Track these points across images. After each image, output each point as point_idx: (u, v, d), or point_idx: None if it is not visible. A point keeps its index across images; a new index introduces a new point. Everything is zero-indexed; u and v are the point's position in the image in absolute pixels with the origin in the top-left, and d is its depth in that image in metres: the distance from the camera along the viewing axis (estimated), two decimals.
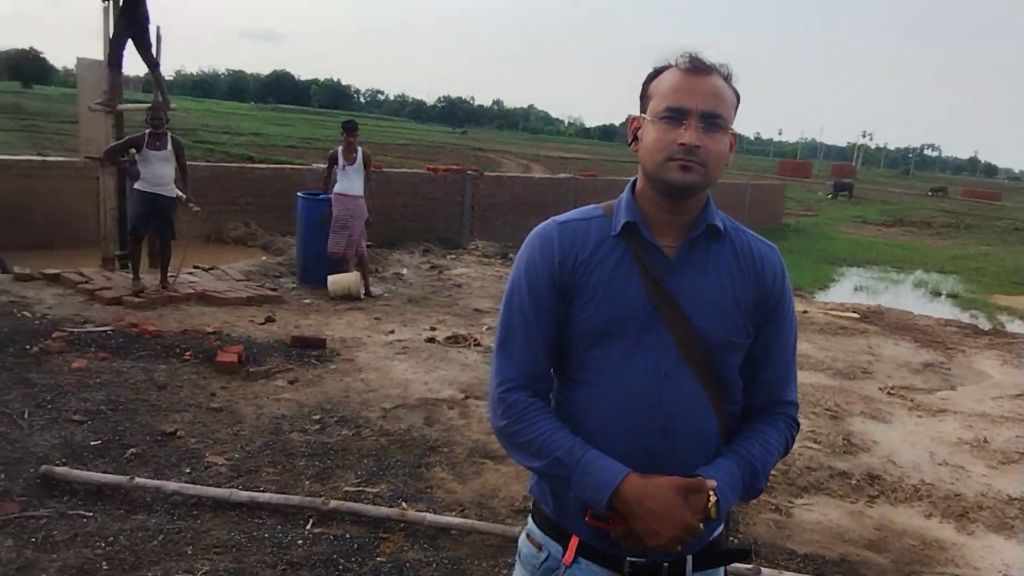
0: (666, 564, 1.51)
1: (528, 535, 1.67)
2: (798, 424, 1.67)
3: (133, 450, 4.17)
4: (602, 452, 1.48)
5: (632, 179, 1.62)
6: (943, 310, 13.03)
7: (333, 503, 3.69)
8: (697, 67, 1.49)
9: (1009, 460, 5.40)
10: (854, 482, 4.79)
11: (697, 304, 1.52)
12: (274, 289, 8.49)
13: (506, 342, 1.59)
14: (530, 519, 1.69)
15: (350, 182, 8.60)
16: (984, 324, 11.74)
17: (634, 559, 1.51)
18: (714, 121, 1.47)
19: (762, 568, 3.59)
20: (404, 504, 3.86)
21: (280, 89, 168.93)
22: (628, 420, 1.50)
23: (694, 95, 1.47)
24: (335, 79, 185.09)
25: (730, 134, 1.52)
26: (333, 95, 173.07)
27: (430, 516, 3.69)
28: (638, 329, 1.50)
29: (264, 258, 10.19)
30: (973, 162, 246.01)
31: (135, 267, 7.61)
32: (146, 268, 8.02)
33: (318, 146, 39.04)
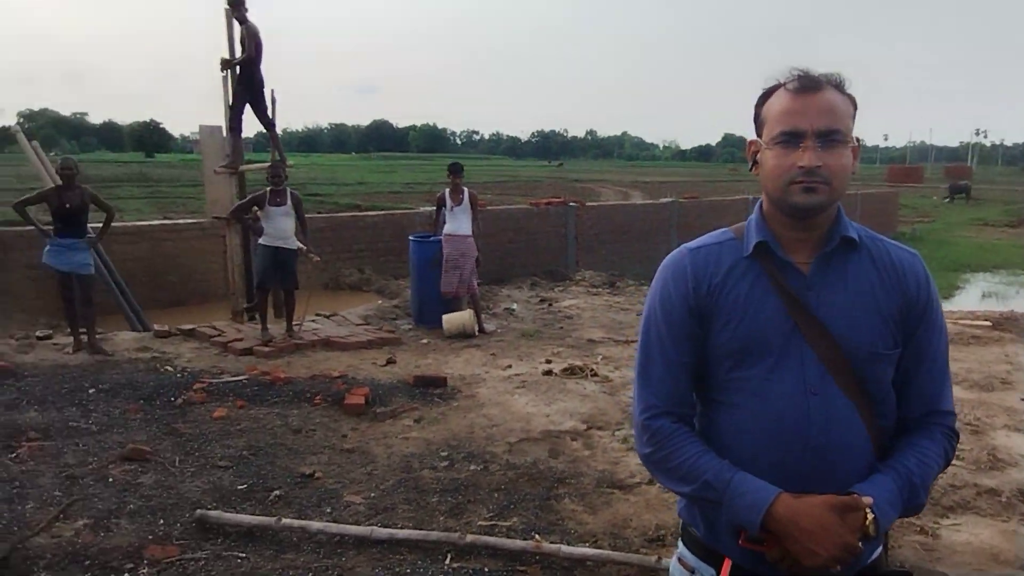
0: None
1: (680, 559, 1.68)
2: (957, 434, 1.61)
3: (276, 492, 4.38)
4: (749, 472, 1.48)
5: (759, 200, 1.62)
6: None
7: (470, 537, 3.77)
8: (805, 85, 1.48)
9: None
10: (1004, 499, 4.55)
11: (838, 318, 1.50)
12: (392, 331, 8.75)
13: (646, 370, 1.61)
14: (680, 543, 1.70)
15: (458, 222, 8.82)
16: None
17: None
18: (832, 137, 1.45)
19: None
20: (537, 536, 3.91)
21: (380, 138, 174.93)
22: (776, 440, 1.49)
23: (807, 115, 1.46)
24: (431, 123, 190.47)
25: (852, 145, 1.50)
26: (430, 139, 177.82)
27: (565, 548, 3.72)
28: (779, 348, 1.50)
29: (380, 302, 10.52)
30: None
31: (263, 318, 8.01)
32: (272, 319, 8.42)
33: (420, 190, 40.10)
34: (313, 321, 8.80)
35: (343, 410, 5.85)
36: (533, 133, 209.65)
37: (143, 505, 4.16)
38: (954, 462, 5.01)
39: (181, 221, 12.21)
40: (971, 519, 4.35)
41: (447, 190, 8.89)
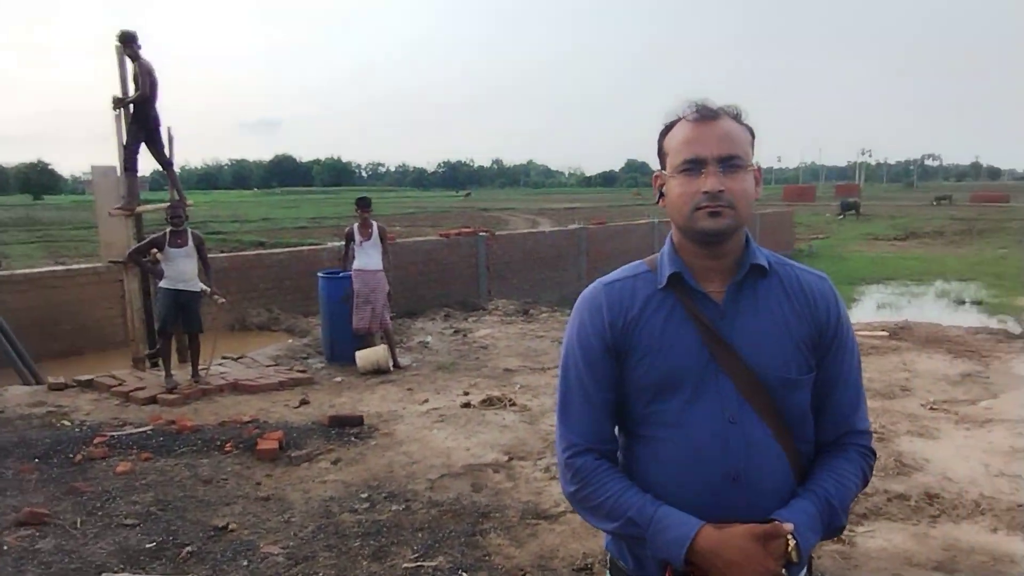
0: None
1: None
2: (874, 453, 1.65)
3: (189, 548, 4.17)
4: (672, 504, 1.48)
5: (670, 233, 1.64)
6: (970, 318, 12.95)
7: None
8: (704, 115, 1.52)
9: None
10: (913, 503, 4.72)
11: (753, 346, 1.52)
12: (303, 371, 8.53)
13: (566, 408, 1.61)
14: (607, 574, 1.68)
15: (368, 257, 8.70)
16: (1014, 328, 11.63)
17: None
18: (732, 163, 1.49)
19: None
20: (464, 575, 3.83)
21: (283, 173, 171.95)
22: (696, 470, 1.50)
23: (707, 143, 1.49)
24: (336, 157, 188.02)
25: (752, 170, 1.54)
26: (335, 173, 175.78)
27: None
28: (697, 379, 1.51)
29: (290, 341, 10.26)
30: (975, 167, 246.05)
31: (167, 365, 7.69)
32: (176, 364, 8.10)
33: (327, 224, 39.54)
34: (220, 365, 8.50)
35: (256, 456, 5.64)
36: (439, 164, 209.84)
37: (43, 573, 3.89)
38: None
39: (75, 266, 11.65)
40: (884, 525, 4.49)
41: (356, 224, 8.78)
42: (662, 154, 1.59)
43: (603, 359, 1.57)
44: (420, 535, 4.35)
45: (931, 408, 6.70)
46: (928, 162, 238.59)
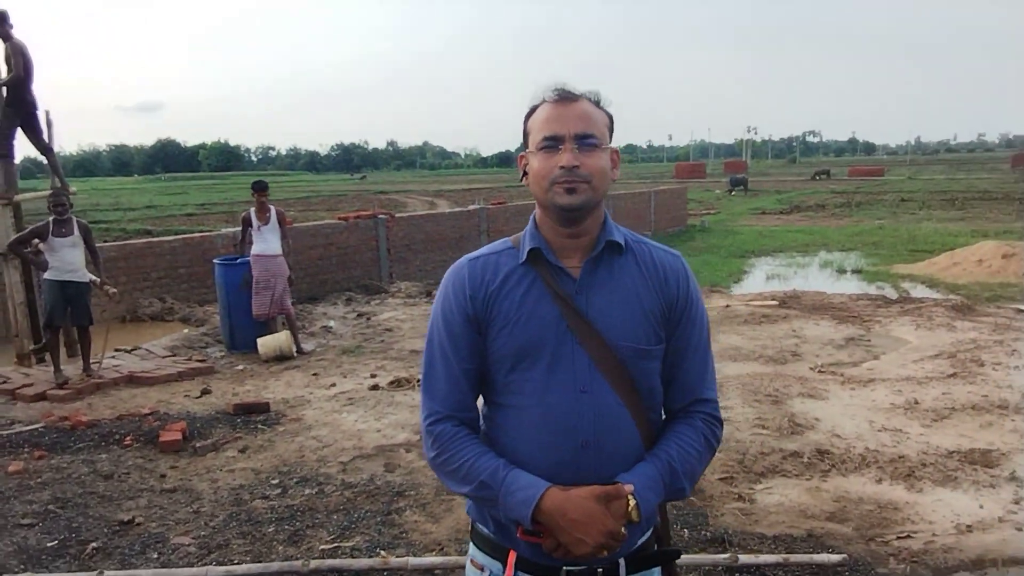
0: (600, 569, 1.58)
1: (471, 560, 1.73)
2: (719, 420, 1.72)
3: (93, 544, 4.04)
4: (529, 470, 1.55)
5: (534, 212, 1.70)
6: (852, 286, 13.65)
7: (313, 563, 3.65)
8: (564, 96, 1.60)
9: (941, 417, 5.72)
10: (806, 460, 5.00)
11: (607, 319, 1.59)
12: (203, 360, 8.31)
13: (429, 378, 1.66)
14: (471, 544, 1.75)
15: (267, 242, 8.52)
16: (891, 294, 12.35)
17: (570, 568, 1.57)
18: (588, 141, 1.56)
19: (739, 556, 3.72)
20: (383, 552, 3.85)
21: (167, 158, 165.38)
22: (551, 438, 1.57)
23: (565, 122, 1.57)
24: (223, 140, 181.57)
25: (609, 151, 1.62)
26: (223, 157, 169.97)
27: (412, 560, 3.70)
28: (553, 349, 1.58)
29: (186, 330, 9.94)
30: (853, 143, 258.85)
31: (55, 359, 7.34)
32: (65, 358, 7.75)
33: (216, 210, 38.35)
34: (113, 357, 8.18)
35: (159, 448, 5.48)
36: (333, 147, 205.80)
37: None
38: (759, 431, 5.47)
39: None
40: (780, 481, 4.74)
41: (252, 209, 8.57)
42: (526, 134, 1.66)
43: (465, 331, 1.62)
44: (335, 517, 4.33)
45: (819, 371, 7.09)
46: (809, 138, 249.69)
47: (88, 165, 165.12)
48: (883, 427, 5.55)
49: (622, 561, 1.61)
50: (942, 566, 3.74)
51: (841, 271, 15.84)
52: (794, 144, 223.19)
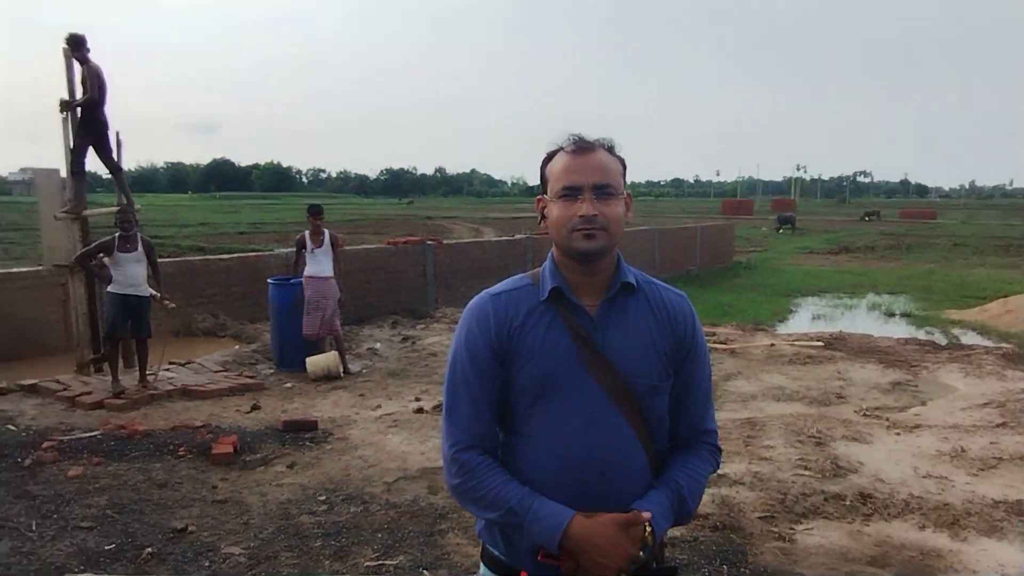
0: None
1: None
2: (719, 448, 1.87)
3: (149, 550, 4.19)
4: (547, 496, 1.65)
5: (551, 252, 1.81)
6: (900, 330, 13.49)
7: None
8: (581, 147, 1.71)
9: (987, 466, 5.65)
10: (848, 503, 4.98)
11: (621, 355, 1.70)
12: (252, 376, 8.53)
13: (453, 408, 1.76)
14: (481, 564, 1.84)
15: (319, 264, 8.75)
16: (940, 339, 12.18)
17: None
18: (605, 191, 1.68)
19: None
20: (426, 572, 3.94)
21: (221, 177, 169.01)
22: (569, 467, 1.67)
23: (583, 173, 1.68)
24: (276, 162, 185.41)
25: (623, 197, 1.73)
26: (275, 178, 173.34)
27: None
28: (571, 383, 1.69)
29: (237, 347, 10.20)
30: (904, 184, 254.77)
31: (114, 369, 7.61)
32: (122, 369, 8.02)
33: (267, 230, 39.14)
34: (167, 370, 8.44)
35: (210, 460, 5.66)
36: (382, 171, 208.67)
37: (2, 574, 3.88)
38: (801, 471, 5.47)
39: (16, 269, 11.39)
40: (821, 523, 4.73)
41: (307, 232, 8.82)
42: (544, 180, 1.77)
43: (489, 364, 1.72)
44: (380, 535, 4.44)
45: (864, 415, 7.04)
46: (860, 178, 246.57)
47: (145, 181, 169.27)
48: (928, 474, 5.50)
49: None
50: None
51: (889, 314, 15.65)
52: (844, 184, 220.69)
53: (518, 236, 18.24)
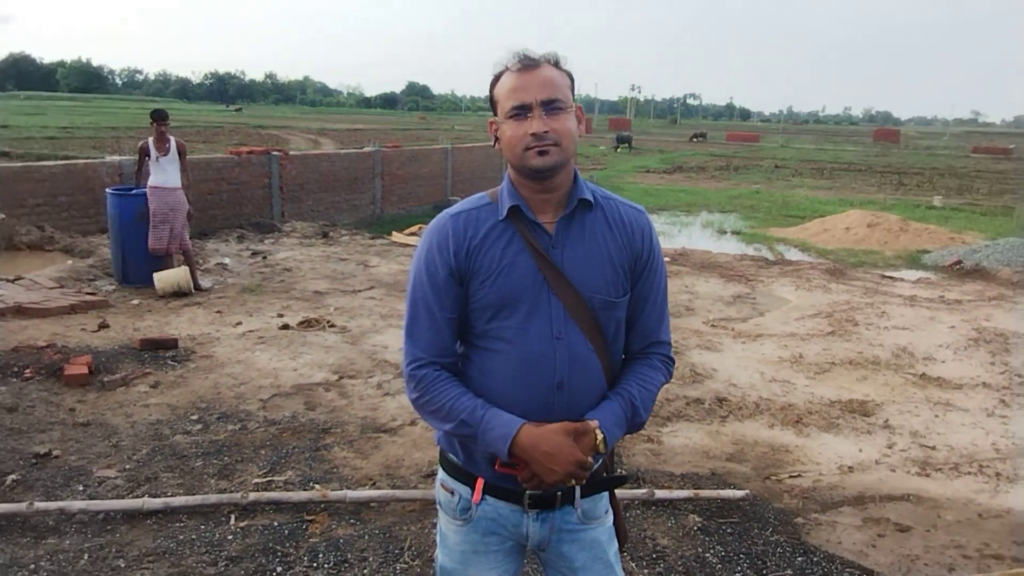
0: (559, 493, 1.77)
1: (441, 484, 1.90)
2: (672, 360, 1.94)
3: (12, 477, 3.94)
4: (507, 409, 1.72)
5: (507, 171, 1.82)
6: (732, 246, 14.39)
7: (252, 495, 3.71)
8: (526, 65, 1.71)
9: (823, 370, 6.25)
10: (707, 406, 5.39)
11: (580, 272, 1.75)
12: (93, 293, 7.99)
13: (412, 327, 1.79)
14: (440, 470, 1.91)
15: (165, 174, 8.20)
16: (768, 255, 13.12)
17: (532, 492, 1.75)
18: (554, 105, 1.69)
19: (655, 491, 4.03)
20: (318, 486, 3.94)
21: (20, 75, 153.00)
22: (528, 379, 1.73)
23: (530, 90, 1.68)
24: (84, 59, 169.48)
25: (574, 110, 1.75)
26: (84, 78, 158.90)
27: (350, 493, 3.81)
28: (531, 299, 1.73)
29: (70, 262, 9.47)
30: (730, 108, 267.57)
31: None
32: None
33: (81, 135, 36.09)
34: None
35: (63, 382, 5.32)
36: (206, 75, 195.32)
37: None
38: None
39: None
40: (684, 425, 5.11)
41: (151, 139, 8.21)
42: (493, 102, 1.77)
43: (447, 283, 1.74)
44: (263, 452, 4.38)
45: (712, 325, 7.55)
46: (690, 101, 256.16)
47: None
48: (773, 378, 6.02)
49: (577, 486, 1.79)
50: (828, 502, 4.17)
51: (722, 232, 16.62)
52: (675, 105, 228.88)
53: (368, 148, 17.78)
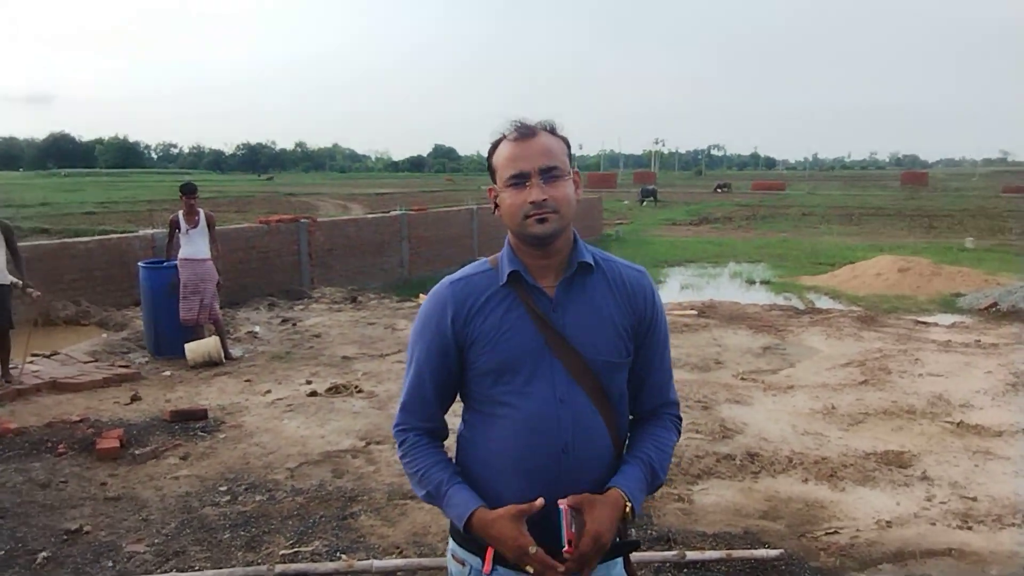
0: None
1: (452, 555, 1.89)
2: (681, 418, 1.96)
3: (44, 554, 3.97)
4: (512, 474, 1.73)
5: (507, 236, 1.84)
6: (762, 296, 14.30)
7: (279, 567, 3.70)
8: (523, 134, 1.74)
9: (856, 421, 6.13)
10: (738, 462, 5.30)
11: (582, 335, 1.76)
12: (127, 366, 8.11)
13: (403, 391, 1.86)
14: (450, 540, 1.90)
15: (195, 246, 8.38)
16: (798, 304, 13.00)
17: None
18: (552, 173, 1.72)
19: (686, 553, 3.95)
20: (344, 556, 3.92)
21: (60, 153, 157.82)
22: (534, 444, 1.73)
23: (528, 159, 1.71)
24: (121, 136, 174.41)
25: (571, 175, 1.77)
26: (121, 153, 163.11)
27: (376, 562, 3.78)
28: (533, 364, 1.74)
29: (105, 335, 9.65)
30: (755, 157, 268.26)
31: None
32: None
33: (117, 209, 36.99)
34: (31, 362, 7.90)
35: (95, 456, 5.37)
36: (238, 146, 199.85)
37: None
38: (693, 435, 5.75)
39: None
40: (715, 483, 5.02)
41: (181, 212, 8.41)
42: (492, 170, 1.80)
43: (440, 352, 1.78)
44: (290, 523, 4.37)
45: (742, 378, 7.46)
46: (714, 152, 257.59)
47: None
48: (805, 431, 5.91)
49: None
50: (867, 559, 4.05)
51: (751, 282, 16.53)
52: (700, 157, 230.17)
53: (394, 212, 18.03)
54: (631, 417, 1.91)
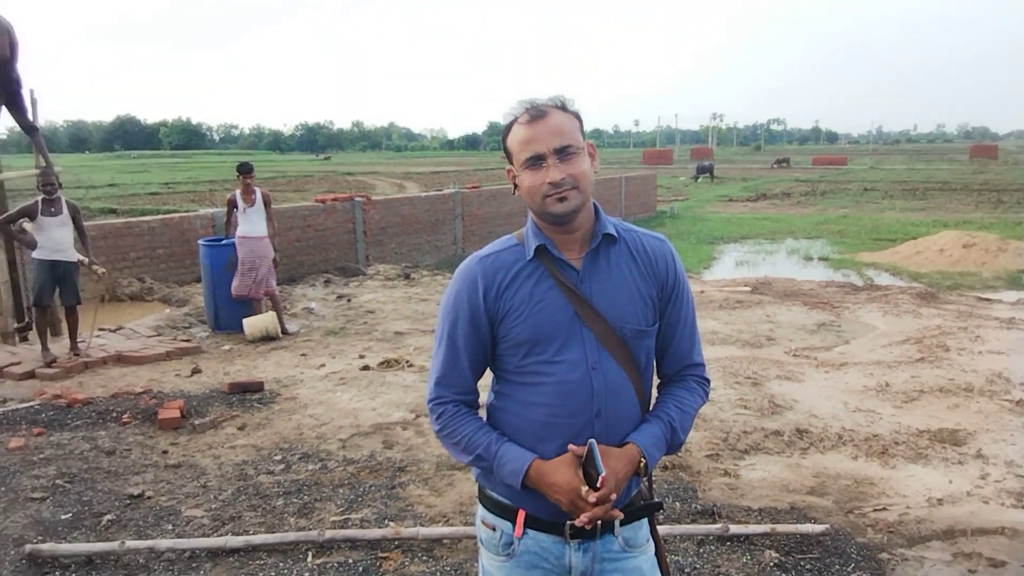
0: (599, 523, 1.75)
1: (482, 520, 1.93)
2: (707, 379, 1.99)
3: (108, 517, 4.16)
4: (548, 439, 1.78)
5: (530, 214, 1.86)
6: (819, 273, 14.04)
7: (329, 533, 3.82)
8: (534, 115, 1.77)
9: (910, 399, 6.02)
10: (786, 438, 5.26)
11: (609, 304, 1.80)
12: (188, 340, 8.38)
13: (435, 364, 1.89)
14: (479, 506, 1.95)
15: (252, 224, 8.59)
16: (857, 281, 12.74)
17: (572, 522, 1.76)
18: (567, 151, 1.74)
19: (729, 526, 3.96)
20: (392, 524, 4.02)
21: (126, 136, 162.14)
22: (568, 409, 1.78)
23: (542, 140, 1.73)
24: (185, 119, 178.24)
25: (585, 149, 1.79)
26: (185, 136, 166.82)
27: (423, 530, 3.87)
28: (565, 333, 1.78)
29: (168, 311, 9.97)
30: (816, 131, 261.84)
31: (43, 338, 7.38)
32: (49, 337, 7.77)
33: (181, 190, 37.90)
34: (98, 336, 8.22)
35: (157, 426, 5.58)
36: (297, 126, 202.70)
37: None
38: (741, 411, 5.72)
39: None
40: (762, 458, 4.99)
41: (238, 191, 8.62)
42: (507, 153, 1.83)
43: (474, 325, 1.82)
44: (341, 491, 4.50)
45: (794, 355, 7.37)
46: (773, 126, 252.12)
47: (45, 141, 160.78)
48: (857, 408, 5.83)
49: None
50: (916, 536, 4.00)
51: (808, 258, 16.25)
52: (759, 132, 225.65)
53: (447, 190, 18.14)
54: (657, 380, 1.96)
